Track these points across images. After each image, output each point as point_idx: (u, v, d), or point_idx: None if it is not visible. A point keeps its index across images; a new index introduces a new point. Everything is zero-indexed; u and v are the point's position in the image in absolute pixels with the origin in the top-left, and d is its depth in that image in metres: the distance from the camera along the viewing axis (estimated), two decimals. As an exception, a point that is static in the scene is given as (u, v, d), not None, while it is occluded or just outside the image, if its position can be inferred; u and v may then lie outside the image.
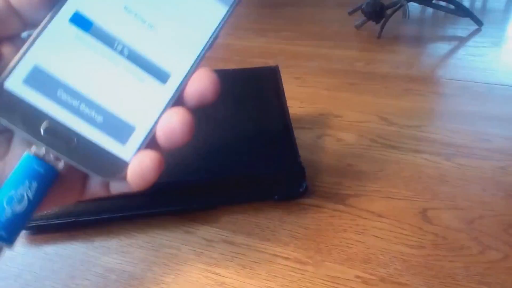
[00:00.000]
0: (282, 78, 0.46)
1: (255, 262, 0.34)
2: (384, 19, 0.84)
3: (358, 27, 0.88)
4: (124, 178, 0.21)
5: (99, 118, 0.21)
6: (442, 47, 0.82)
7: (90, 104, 0.21)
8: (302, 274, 0.33)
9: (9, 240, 0.21)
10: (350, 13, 0.92)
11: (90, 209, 0.37)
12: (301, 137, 0.50)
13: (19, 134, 0.21)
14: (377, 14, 0.84)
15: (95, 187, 0.23)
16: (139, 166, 0.21)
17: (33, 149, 0.21)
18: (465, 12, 0.91)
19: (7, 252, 0.36)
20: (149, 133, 0.21)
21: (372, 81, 0.66)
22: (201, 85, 0.21)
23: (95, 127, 0.21)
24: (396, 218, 0.38)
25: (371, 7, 0.83)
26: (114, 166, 0.21)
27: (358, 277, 0.33)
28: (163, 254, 0.35)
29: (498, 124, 0.52)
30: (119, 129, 0.21)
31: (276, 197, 0.40)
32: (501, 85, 0.62)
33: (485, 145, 0.48)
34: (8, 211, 0.21)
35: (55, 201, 0.23)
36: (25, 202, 0.21)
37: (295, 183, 0.40)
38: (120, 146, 0.21)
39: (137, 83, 0.21)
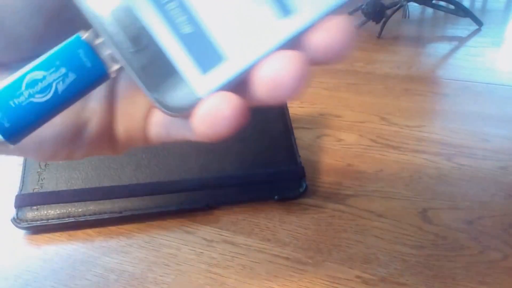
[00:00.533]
0: (282, 78, 0.46)
1: (255, 262, 0.34)
2: (384, 19, 0.84)
3: (358, 27, 0.88)
4: (186, 116, 0.16)
5: (186, 28, 0.16)
6: (442, 47, 0.82)
7: (181, 6, 0.16)
8: (302, 274, 0.33)
9: (12, 135, 0.16)
10: (350, 13, 0.92)
11: (90, 209, 0.37)
12: (301, 137, 0.50)
13: (80, 10, 0.15)
14: (377, 14, 0.84)
15: (132, 129, 0.19)
16: (214, 108, 0.16)
17: (88, 33, 0.16)
18: (465, 12, 0.91)
19: (7, 252, 0.36)
20: (241, 72, 0.16)
21: (372, 81, 0.66)
22: (331, 36, 0.16)
23: (176, 36, 0.16)
24: (396, 218, 0.38)
25: (371, 7, 0.83)
26: (180, 96, 0.16)
27: (358, 277, 0.33)
28: (163, 254, 0.35)
29: (498, 124, 0.52)
30: (204, 52, 0.16)
31: (276, 197, 0.40)
32: (501, 85, 0.62)
33: (485, 145, 0.48)
34: (24, 96, 0.16)
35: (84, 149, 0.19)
36: (50, 95, 0.16)
37: (295, 183, 0.40)
38: (197, 74, 0.16)
39: (250, 4, 0.16)
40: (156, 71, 0.16)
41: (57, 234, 0.37)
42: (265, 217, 0.39)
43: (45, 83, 0.16)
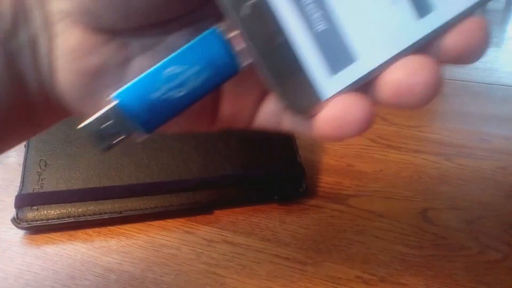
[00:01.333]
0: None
1: (255, 262, 0.34)
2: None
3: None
4: (309, 116, 0.16)
5: (321, 26, 0.15)
6: (442, 47, 0.82)
7: (317, 1, 0.15)
8: (302, 274, 0.33)
9: (149, 127, 0.17)
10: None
11: (90, 209, 0.37)
12: (301, 137, 0.50)
13: (217, 1, 0.15)
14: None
15: (239, 112, 0.19)
16: (343, 111, 0.15)
17: (223, 26, 0.16)
18: (465, 12, 0.90)
19: (7, 252, 0.36)
20: (370, 74, 0.16)
21: (372, 81, 0.66)
22: (468, 39, 0.15)
23: (309, 33, 0.15)
24: (396, 218, 0.38)
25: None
26: (307, 96, 0.16)
27: (358, 277, 0.33)
28: (163, 254, 0.35)
29: (498, 124, 0.52)
30: (336, 51, 0.15)
31: (276, 197, 0.40)
32: (501, 85, 0.62)
33: (485, 145, 0.48)
34: (161, 91, 0.16)
35: (182, 123, 0.19)
36: (185, 90, 0.16)
37: (295, 183, 0.40)
38: (326, 74, 0.16)
39: (386, 3, 0.15)
40: (286, 68, 0.16)
41: (57, 234, 0.37)
42: (265, 217, 0.39)
43: (182, 78, 0.16)
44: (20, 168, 0.40)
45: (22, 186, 0.38)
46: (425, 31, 0.15)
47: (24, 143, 0.41)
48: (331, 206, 0.40)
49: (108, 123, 0.17)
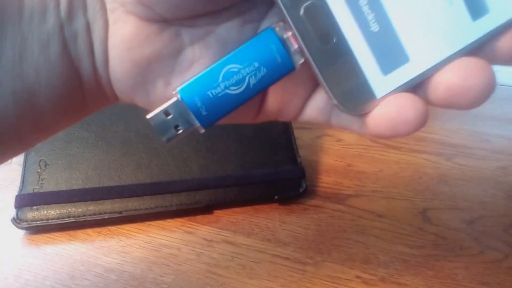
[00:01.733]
0: (282, 78, 0.46)
1: (255, 262, 0.34)
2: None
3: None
4: (360, 114, 0.17)
5: (375, 27, 0.15)
6: (442, 47, 0.82)
7: (372, 2, 0.15)
8: (302, 274, 0.33)
9: (206, 122, 0.18)
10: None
11: (90, 209, 0.37)
12: (301, 137, 0.50)
13: (275, 1, 0.16)
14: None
15: (287, 105, 0.19)
16: (398, 110, 0.15)
17: (280, 25, 0.16)
18: (465, 12, 0.90)
19: (7, 252, 0.36)
20: (423, 75, 0.16)
21: (372, 81, 0.66)
22: None
23: (363, 34, 0.16)
24: (396, 218, 0.38)
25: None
26: (359, 96, 0.16)
27: (358, 277, 0.33)
28: (163, 254, 0.35)
29: (498, 124, 0.52)
30: (389, 51, 0.16)
31: (276, 197, 0.40)
32: (501, 85, 0.62)
33: (485, 145, 0.48)
34: (220, 88, 0.17)
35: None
36: (242, 88, 0.17)
37: (295, 183, 0.40)
38: (379, 74, 0.16)
39: (441, 4, 0.15)
40: (339, 68, 0.16)
41: (57, 234, 0.37)
42: (265, 217, 0.39)
43: (239, 76, 0.17)
44: (20, 168, 0.40)
45: (22, 186, 0.38)
46: (480, 34, 0.15)
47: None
48: (331, 206, 0.40)
49: (170, 116, 0.18)
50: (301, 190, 0.40)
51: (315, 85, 0.19)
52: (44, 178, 0.39)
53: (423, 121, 0.15)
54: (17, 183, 0.39)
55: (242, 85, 0.17)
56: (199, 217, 0.39)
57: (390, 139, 0.15)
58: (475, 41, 0.15)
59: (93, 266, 0.34)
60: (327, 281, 0.32)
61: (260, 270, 0.34)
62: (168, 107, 0.18)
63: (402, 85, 0.16)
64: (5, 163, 0.48)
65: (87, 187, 0.38)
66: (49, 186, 0.38)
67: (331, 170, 0.45)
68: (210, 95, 0.17)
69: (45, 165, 0.39)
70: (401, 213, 0.39)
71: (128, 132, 0.41)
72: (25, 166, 0.39)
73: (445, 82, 0.15)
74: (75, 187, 0.38)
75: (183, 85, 0.17)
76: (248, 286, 0.32)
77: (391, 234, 0.36)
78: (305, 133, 0.51)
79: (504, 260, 0.34)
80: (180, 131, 0.18)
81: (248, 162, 0.41)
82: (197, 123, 0.18)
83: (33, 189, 0.38)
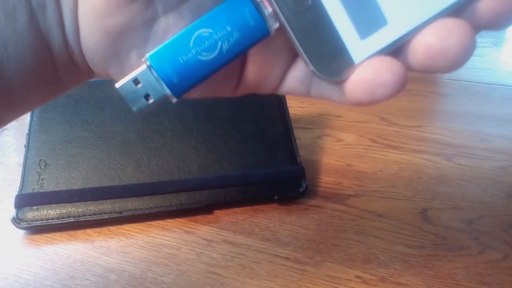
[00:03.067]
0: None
1: (255, 262, 0.34)
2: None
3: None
4: (339, 81, 0.16)
5: None
6: (442, 47, 0.82)
7: None
8: (302, 274, 0.33)
9: (178, 90, 0.17)
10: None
11: (90, 209, 0.37)
12: (301, 137, 0.50)
13: None
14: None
15: (265, 77, 0.18)
16: (373, 73, 0.15)
17: None
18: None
19: (7, 252, 0.36)
20: (401, 38, 0.15)
21: (372, 81, 0.66)
22: (504, 2, 0.14)
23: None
24: (396, 218, 0.38)
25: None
26: (337, 61, 0.16)
27: (358, 277, 0.33)
28: (163, 254, 0.35)
29: (498, 124, 0.52)
30: (366, 15, 0.15)
31: (276, 197, 0.40)
32: (501, 85, 0.62)
33: (485, 145, 0.48)
34: (191, 54, 0.16)
35: (208, 89, 0.19)
36: (215, 53, 0.16)
37: (295, 183, 0.40)
38: (356, 39, 0.15)
39: None
40: (315, 32, 0.15)
41: (57, 234, 0.37)
42: (265, 217, 0.39)
43: (211, 41, 0.16)
44: (20, 168, 0.40)
45: (22, 186, 0.38)
46: None
47: (24, 143, 0.41)
48: (331, 206, 0.40)
49: (140, 84, 0.17)
50: (301, 190, 0.40)
51: (294, 55, 0.18)
52: (44, 178, 0.39)
53: (401, 84, 0.15)
54: (17, 183, 0.39)
55: (215, 50, 0.16)
56: (199, 217, 0.39)
57: (371, 105, 0.14)
58: (455, 3, 0.15)
59: (93, 266, 0.34)
60: (327, 281, 0.32)
61: (260, 270, 0.33)
62: (137, 75, 0.17)
63: (380, 49, 0.15)
64: (5, 163, 0.48)
65: (87, 187, 0.38)
66: (49, 186, 0.38)
67: (331, 170, 0.45)
68: (181, 61, 0.16)
69: (45, 165, 0.39)
70: (401, 213, 0.39)
71: (128, 132, 0.41)
72: (25, 166, 0.39)
73: (424, 44, 0.15)
74: (75, 187, 0.38)
75: (153, 51, 0.17)
76: (248, 286, 0.32)
77: (391, 234, 0.36)
78: (305, 133, 0.51)
79: (504, 260, 0.34)
80: (151, 101, 0.18)
81: (248, 162, 0.41)
82: (169, 92, 0.17)
83: (33, 189, 0.38)
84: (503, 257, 0.34)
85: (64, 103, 0.42)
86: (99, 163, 0.40)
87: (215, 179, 0.39)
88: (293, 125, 0.43)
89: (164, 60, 0.17)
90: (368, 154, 0.47)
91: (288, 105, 0.44)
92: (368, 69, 0.15)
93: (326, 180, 0.43)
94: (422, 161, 0.46)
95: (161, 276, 0.33)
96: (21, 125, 0.56)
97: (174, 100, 0.18)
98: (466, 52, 0.14)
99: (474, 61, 0.72)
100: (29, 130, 0.41)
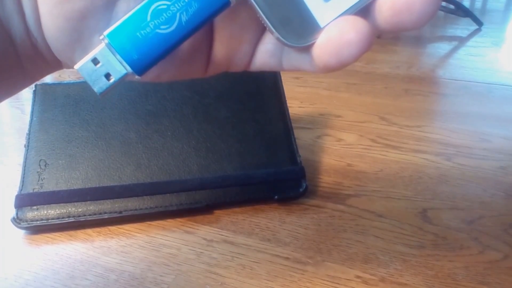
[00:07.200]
0: (282, 78, 0.46)
1: (255, 262, 0.34)
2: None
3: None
4: (308, 48, 0.16)
5: None
6: (442, 47, 0.82)
7: None
8: (302, 274, 0.33)
9: (140, 67, 0.17)
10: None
11: (90, 209, 0.37)
12: (301, 137, 0.50)
13: None
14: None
15: (235, 54, 0.18)
16: (338, 33, 0.15)
17: None
18: (465, 12, 0.91)
19: (7, 252, 0.36)
20: None
21: (372, 81, 0.66)
22: None
23: None
24: (396, 218, 0.38)
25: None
26: (302, 27, 0.15)
27: (358, 277, 0.33)
28: (163, 254, 0.35)
29: (498, 124, 0.52)
30: None
31: (276, 197, 0.40)
32: (501, 85, 0.62)
33: (485, 145, 0.48)
34: (150, 28, 0.16)
35: (177, 70, 0.18)
36: (174, 26, 0.16)
37: (295, 183, 0.40)
38: (320, 1, 0.15)
39: None
40: (278, 0, 0.15)
41: (57, 234, 0.37)
42: (265, 217, 0.39)
43: (169, 13, 0.16)
44: (20, 168, 0.40)
45: (22, 186, 0.38)
46: None
47: (24, 143, 0.41)
48: (331, 206, 0.40)
49: (100, 64, 0.17)
50: (301, 190, 0.40)
51: (262, 29, 0.18)
52: (44, 178, 0.39)
53: (367, 42, 0.15)
54: (17, 183, 0.39)
55: (174, 23, 0.16)
56: (199, 217, 0.39)
57: (340, 68, 0.14)
58: None
59: (93, 266, 0.34)
60: (327, 281, 0.32)
61: (260, 270, 0.33)
62: (96, 54, 0.17)
63: (345, 11, 0.15)
64: (5, 163, 0.48)
65: (87, 187, 0.38)
66: (49, 186, 0.38)
67: (331, 170, 0.45)
68: (140, 36, 0.16)
69: (45, 165, 0.39)
70: (401, 213, 0.39)
71: (128, 132, 0.41)
72: (25, 166, 0.39)
73: (389, 1, 0.15)
74: (75, 187, 0.38)
75: (110, 29, 0.16)
76: (248, 286, 0.32)
77: (391, 234, 0.36)
78: (305, 133, 0.51)
79: (504, 260, 0.34)
80: (112, 80, 0.17)
81: (248, 162, 0.41)
82: (129, 69, 0.17)
83: (33, 189, 0.38)
84: (503, 257, 0.34)
85: (64, 103, 0.42)
86: (99, 163, 0.40)
87: (215, 179, 0.39)
88: (293, 125, 0.43)
89: (122, 36, 0.16)
90: (368, 154, 0.47)
91: (288, 105, 0.44)
92: (333, 30, 0.15)
93: (326, 180, 0.43)
94: (422, 161, 0.46)
95: (161, 276, 0.33)
96: (21, 125, 0.56)
97: (137, 77, 0.17)
98: (432, 6, 0.14)
99: (474, 61, 0.72)
100: (29, 130, 0.41)
